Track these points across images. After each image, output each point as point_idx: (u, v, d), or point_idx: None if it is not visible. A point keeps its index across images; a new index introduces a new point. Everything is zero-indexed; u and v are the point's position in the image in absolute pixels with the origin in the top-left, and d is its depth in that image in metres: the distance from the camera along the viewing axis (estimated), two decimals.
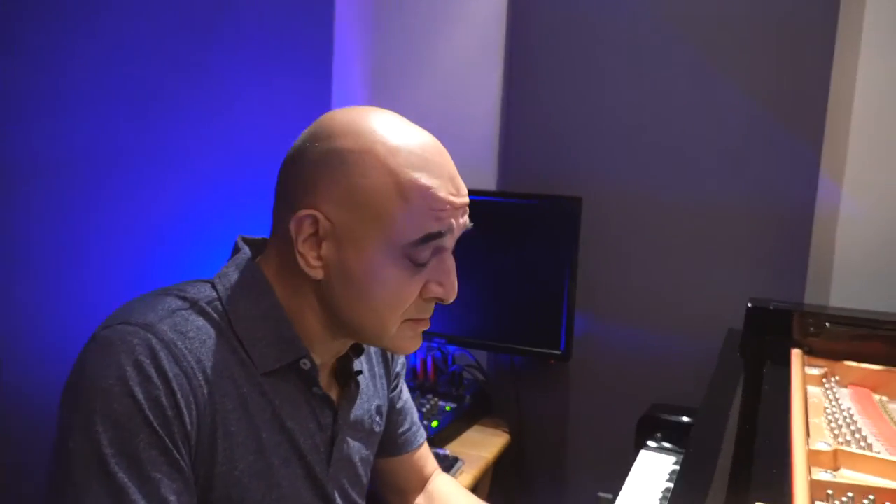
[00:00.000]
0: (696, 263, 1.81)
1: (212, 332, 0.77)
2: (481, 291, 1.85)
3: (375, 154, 0.76)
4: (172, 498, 0.71)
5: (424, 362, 1.92)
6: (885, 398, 1.34)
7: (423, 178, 0.76)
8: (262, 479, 0.79)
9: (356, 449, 0.93)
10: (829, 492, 0.90)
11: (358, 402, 0.93)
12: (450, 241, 0.79)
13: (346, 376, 0.91)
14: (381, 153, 0.76)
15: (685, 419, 1.54)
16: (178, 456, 0.72)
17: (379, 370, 1.01)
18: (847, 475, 1.00)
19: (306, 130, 0.81)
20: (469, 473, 1.61)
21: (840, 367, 1.39)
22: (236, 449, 0.77)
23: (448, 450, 1.70)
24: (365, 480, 0.97)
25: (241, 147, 1.66)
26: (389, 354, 1.03)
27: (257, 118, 1.68)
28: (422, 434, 1.11)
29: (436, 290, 0.80)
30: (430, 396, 1.85)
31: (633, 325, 1.86)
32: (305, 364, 0.82)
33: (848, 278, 1.61)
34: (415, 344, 0.83)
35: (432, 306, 0.83)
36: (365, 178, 0.75)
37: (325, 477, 0.87)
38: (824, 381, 1.36)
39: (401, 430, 1.07)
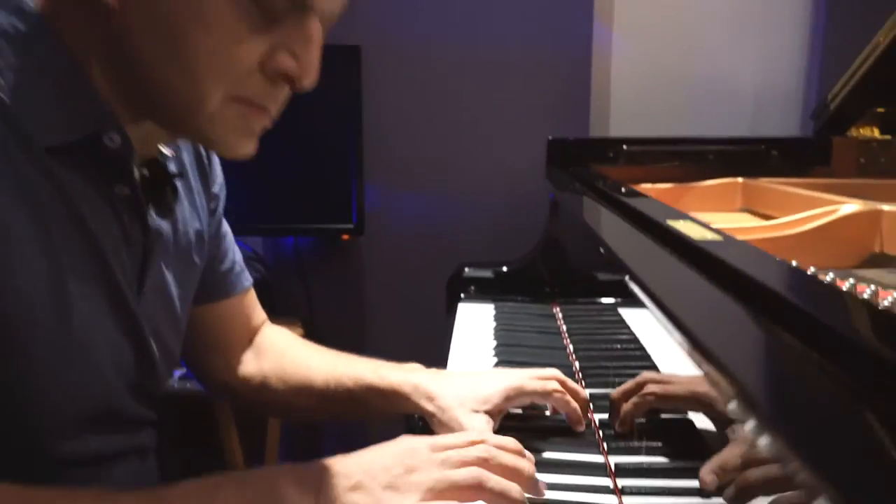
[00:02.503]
0: (486, 114, 1.74)
1: None
2: (249, 167, 1.56)
3: None
4: None
5: None
6: None
7: None
8: (53, 294, 0.55)
9: (173, 281, 0.70)
10: None
11: (175, 217, 0.69)
12: (320, 1, 0.55)
13: (158, 183, 0.66)
14: None
15: (502, 269, 1.45)
16: None
17: (196, 185, 0.76)
18: None
19: None
20: None
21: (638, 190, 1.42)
22: (15, 247, 0.53)
23: None
24: (182, 326, 0.74)
25: None
26: (207, 163, 0.78)
27: None
28: (248, 277, 0.88)
29: (286, 63, 0.55)
30: None
31: (429, 189, 1.73)
32: (113, 140, 0.57)
33: (623, 114, 1.66)
34: (244, 139, 0.59)
35: (278, 93, 0.58)
36: None
37: (136, 306, 0.63)
38: None
39: (224, 268, 0.84)
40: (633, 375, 0.90)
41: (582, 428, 0.77)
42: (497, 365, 1.01)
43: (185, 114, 0.56)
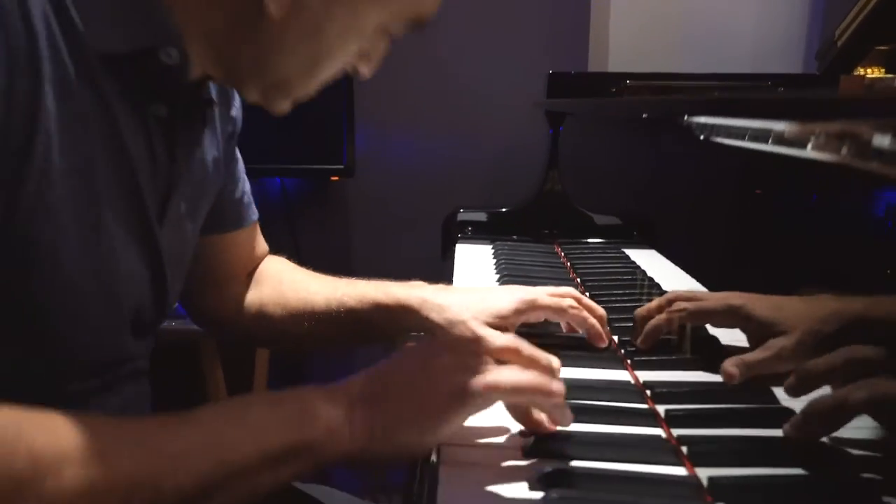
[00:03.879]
0: (482, 51, 1.68)
1: None
2: None
3: None
4: None
5: None
6: None
7: None
8: (85, 218, 0.52)
9: (188, 214, 0.66)
10: None
11: (199, 146, 0.66)
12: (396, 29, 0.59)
13: (191, 110, 0.62)
14: None
15: (500, 210, 1.40)
16: None
17: (218, 108, 0.70)
18: None
19: None
20: None
21: None
22: (54, 162, 0.49)
23: None
24: (189, 258, 0.69)
25: None
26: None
27: None
28: (255, 211, 0.82)
29: (362, 71, 0.61)
30: None
31: (422, 128, 1.67)
32: (170, 56, 0.53)
33: (622, 52, 1.61)
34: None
35: None
36: None
37: (159, 236, 0.59)
38: None
39: (237, 196, 0.78)
40: (648, 302, 0.87)
41: (603, 344, 0.73)
42: None
43: (263, 84, 0.57)
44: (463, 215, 1.41)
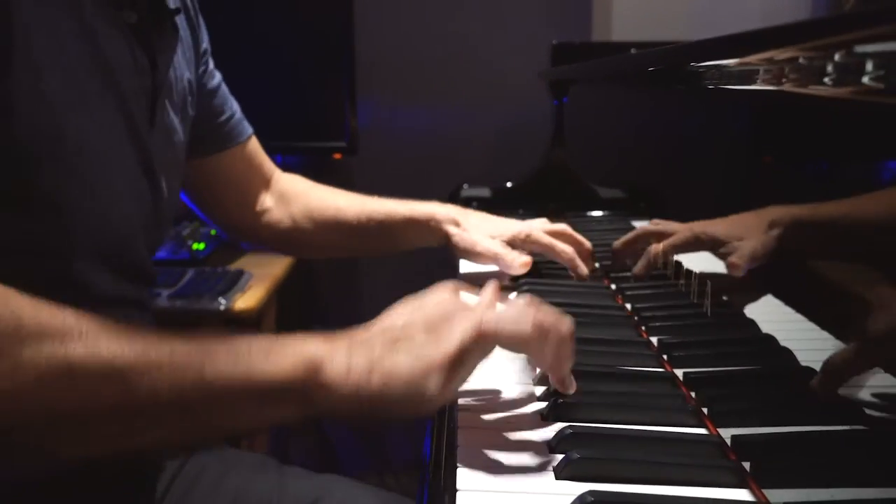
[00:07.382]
0: (484, 21, 1.65)
1: None
2: (235, 81, 1.47)
3: None
4: None
5: None
6: None
7: None
8: (77, 107, 0.55)
9: (179, 126, 0.71)
10: None
11: (174, 61, 0.69)
12: None
13: (159, 18, 0.66)
14: None
15: (505, 185, 1.39)
16: None
17: (186, 37, 0.76)
18: None
19: None
20: (261, 286, 1.31)
21: None
22: (36, 56, 0.52)
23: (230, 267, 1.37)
24: (182, 171, 0.75)
25: None
26: (195, 18, 0.80)
27: None
28: (248, 126, 0.90)
29: None
30: (186, 223, 1.47)
31: (426, 104, 1.65)
32: None
33: (626, 20, 1.58)
34: None
35: None
36: None
37: (148, 140, 0.63)
38: None
39: (226, 116, 0.85)
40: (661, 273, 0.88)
41: (584, 273, 0.85)
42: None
43: None
44: (467, 191, 1.40)
